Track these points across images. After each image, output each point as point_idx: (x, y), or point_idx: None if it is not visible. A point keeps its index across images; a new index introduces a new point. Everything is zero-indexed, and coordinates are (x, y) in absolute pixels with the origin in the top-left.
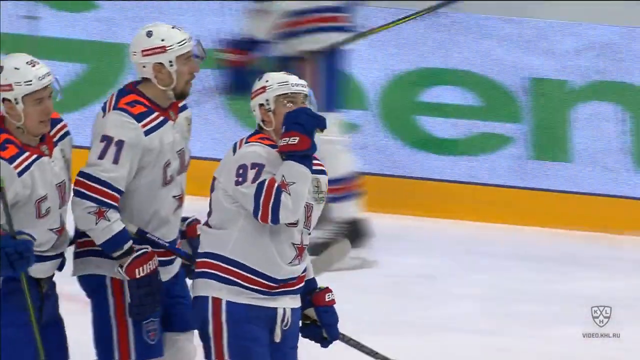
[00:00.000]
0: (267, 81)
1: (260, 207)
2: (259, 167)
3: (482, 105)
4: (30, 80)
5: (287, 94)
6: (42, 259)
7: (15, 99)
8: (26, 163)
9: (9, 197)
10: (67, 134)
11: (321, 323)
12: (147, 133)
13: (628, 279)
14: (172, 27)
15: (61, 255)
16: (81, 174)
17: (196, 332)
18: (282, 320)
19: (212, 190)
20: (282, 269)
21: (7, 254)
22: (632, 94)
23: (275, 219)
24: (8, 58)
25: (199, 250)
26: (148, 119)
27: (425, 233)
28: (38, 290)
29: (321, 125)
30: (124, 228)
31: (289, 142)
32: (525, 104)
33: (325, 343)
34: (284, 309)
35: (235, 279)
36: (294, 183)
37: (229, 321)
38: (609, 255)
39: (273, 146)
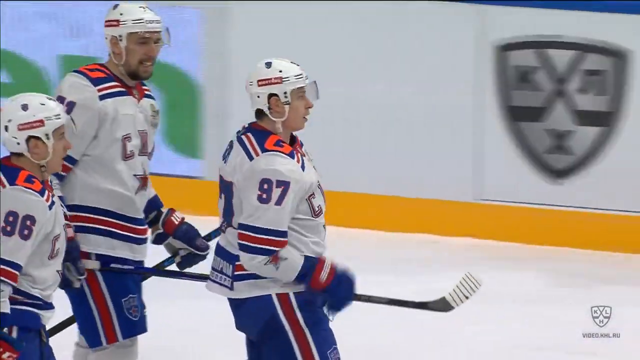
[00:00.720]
0: (280, 71)
1: (256, 236)
2: (284, 185)
3: (11, 83)
4: (59, 114)
5: (302, 87)
6: (48, 305)
7: (47, 134)
8: (51, 198)
9: (38, 230)
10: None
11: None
12: (101, 98)
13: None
14: (141, 7)
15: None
16: None
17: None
18: None
19: (229, 194)
20: (325, 249)
21: None
22: (167, 75)
23: (248, 254)
24: (24, 97)
25: (234, 253)
26: (104, 85)
27: None
28: (40, 340)
29: (341, 307)
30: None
31: (321, 278)
32: (56, 82)
33: None
34: None
35: None
36: (280, 274)
37: (303, 311)
38: None
39: (291, 153)
